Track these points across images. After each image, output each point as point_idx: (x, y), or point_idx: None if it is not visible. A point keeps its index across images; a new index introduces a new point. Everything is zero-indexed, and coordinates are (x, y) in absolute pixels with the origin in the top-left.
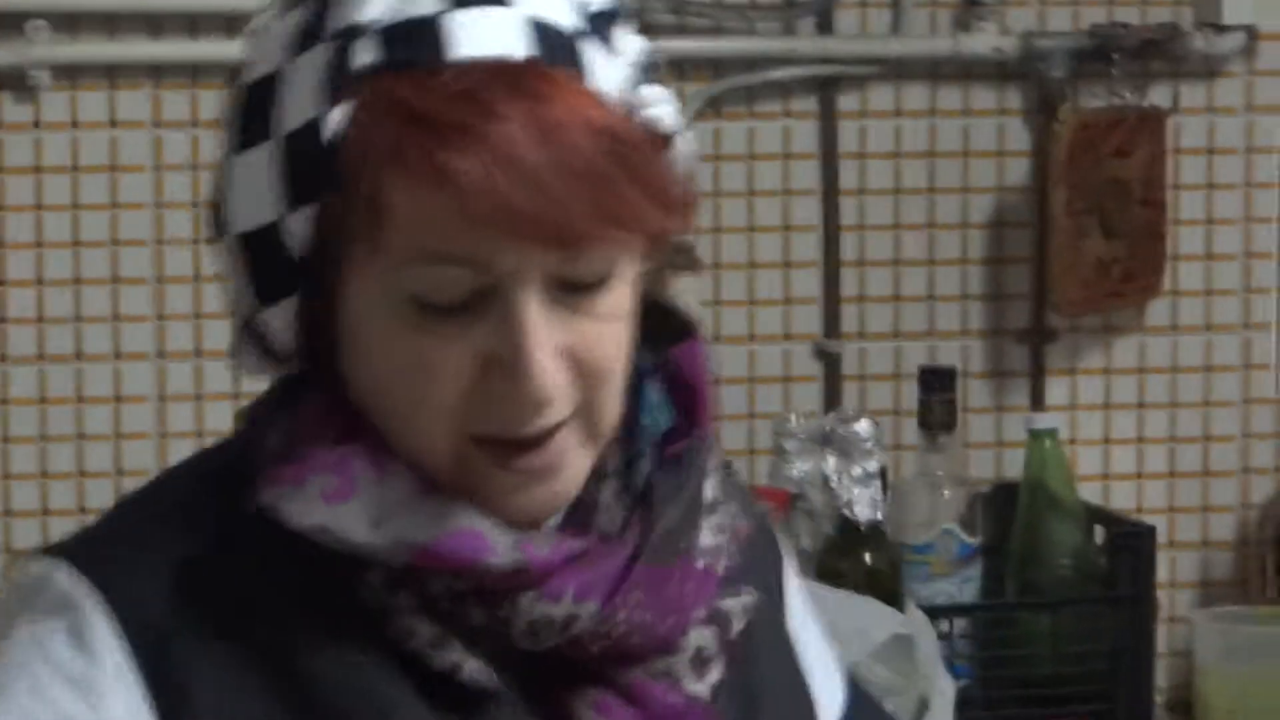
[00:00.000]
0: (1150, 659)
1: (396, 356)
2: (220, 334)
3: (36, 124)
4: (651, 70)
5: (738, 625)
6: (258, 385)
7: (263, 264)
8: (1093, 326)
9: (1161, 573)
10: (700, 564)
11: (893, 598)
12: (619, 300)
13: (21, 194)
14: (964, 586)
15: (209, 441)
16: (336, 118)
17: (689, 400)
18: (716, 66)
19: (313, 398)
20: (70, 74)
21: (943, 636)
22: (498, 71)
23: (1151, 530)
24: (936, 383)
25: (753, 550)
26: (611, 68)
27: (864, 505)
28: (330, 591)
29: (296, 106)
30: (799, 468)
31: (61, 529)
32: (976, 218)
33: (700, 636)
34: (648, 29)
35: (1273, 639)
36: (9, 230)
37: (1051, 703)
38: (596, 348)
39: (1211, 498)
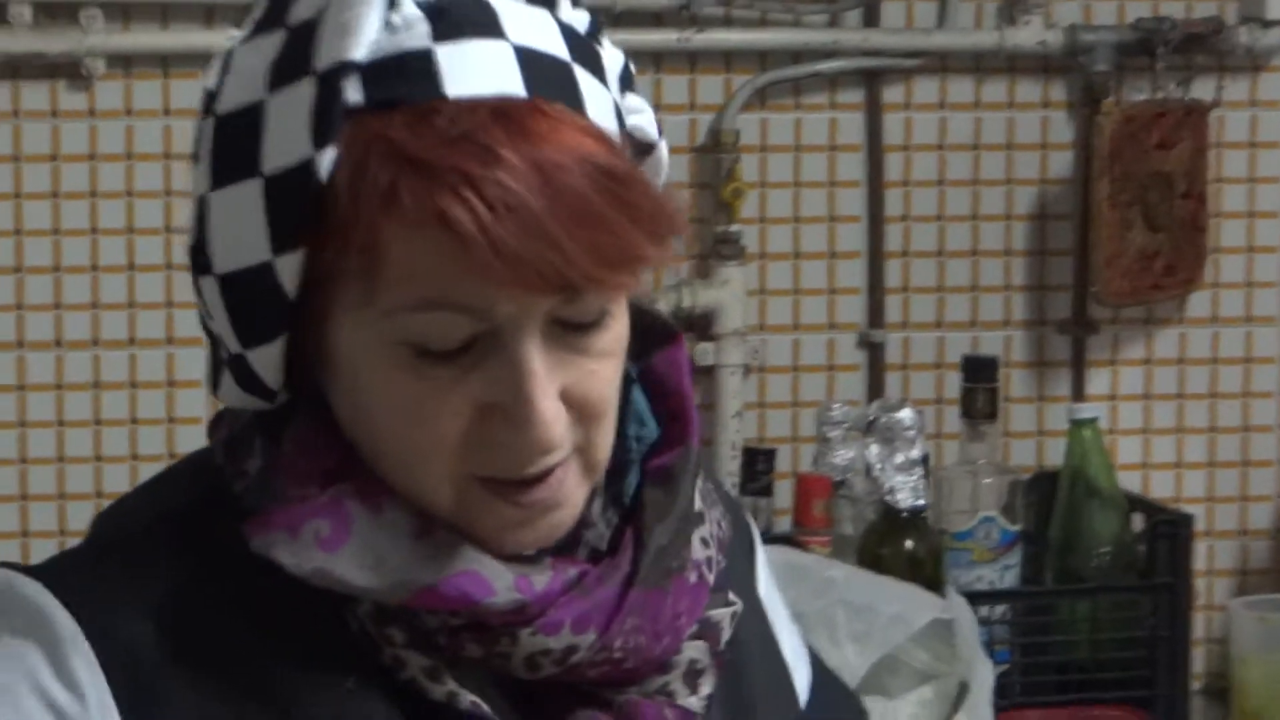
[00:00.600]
0: (1187, 646)
1: (393, 401)
2: None
3: (91, 112)
4: (630, 79)
5: (726, 634)
6: None
7: (247, 306)
8: (1134, 318)
9: (1199, 561)
10: (692, 578)
11: (933, 584)
12: (615, 337)
13: (77, 181)
14: (1004, 573)
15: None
16: (328, 158)
17: (674, 408)
18: (763, 58)
19: (298, 426)
20: (124, 63)
21: (983, 622)
22: (495, 113)
23: (1189, 519)
24: (979, 372)
25: (732, 547)
26: (601, 92)
27: (906, 492)
28: (317, 622)
29: (283, 144)
30: (842, 455)
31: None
32: (1020, 209)
33: (693, 649)
34: (696, 21)
35: None
36: (66, 218)
37: (1089, 688)
38: (594, 388)
39: (1250, 487)
